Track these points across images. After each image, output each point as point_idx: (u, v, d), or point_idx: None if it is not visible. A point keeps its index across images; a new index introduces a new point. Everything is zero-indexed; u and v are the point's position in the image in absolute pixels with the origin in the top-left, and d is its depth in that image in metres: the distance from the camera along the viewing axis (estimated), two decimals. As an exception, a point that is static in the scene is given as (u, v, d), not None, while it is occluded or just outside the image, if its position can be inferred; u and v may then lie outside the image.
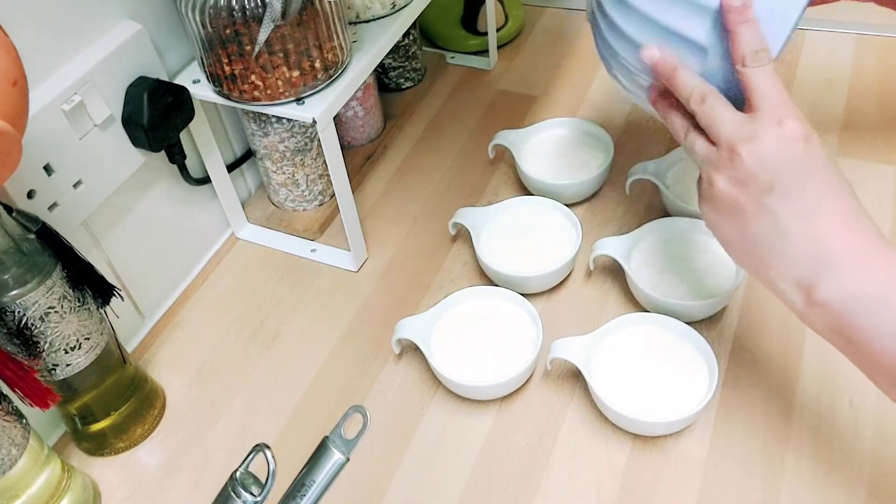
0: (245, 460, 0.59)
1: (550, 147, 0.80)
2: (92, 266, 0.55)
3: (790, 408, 0.60)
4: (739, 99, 0.50)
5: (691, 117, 0.52)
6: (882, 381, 0.48)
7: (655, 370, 0.61)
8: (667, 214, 0.74)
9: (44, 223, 0.51)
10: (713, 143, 0.50)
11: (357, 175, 0.84)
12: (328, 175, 0.77)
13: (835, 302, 0.46)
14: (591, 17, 0.58)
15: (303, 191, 0.78)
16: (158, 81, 0.63)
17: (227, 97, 0.64)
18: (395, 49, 0.89)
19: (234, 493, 0.58)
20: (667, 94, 0.54)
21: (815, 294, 0.46)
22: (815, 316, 0.47)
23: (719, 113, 0.49)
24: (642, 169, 0.74)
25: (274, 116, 0.70)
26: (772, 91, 0.48)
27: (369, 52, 0.67)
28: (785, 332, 0.65)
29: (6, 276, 0.49)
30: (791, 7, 0.50)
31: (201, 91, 0.66)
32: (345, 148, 0.79)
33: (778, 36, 0.50)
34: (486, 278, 0.71)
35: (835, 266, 0.46)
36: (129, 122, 0.62)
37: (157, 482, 0.61)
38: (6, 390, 0.50)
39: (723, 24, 0.49)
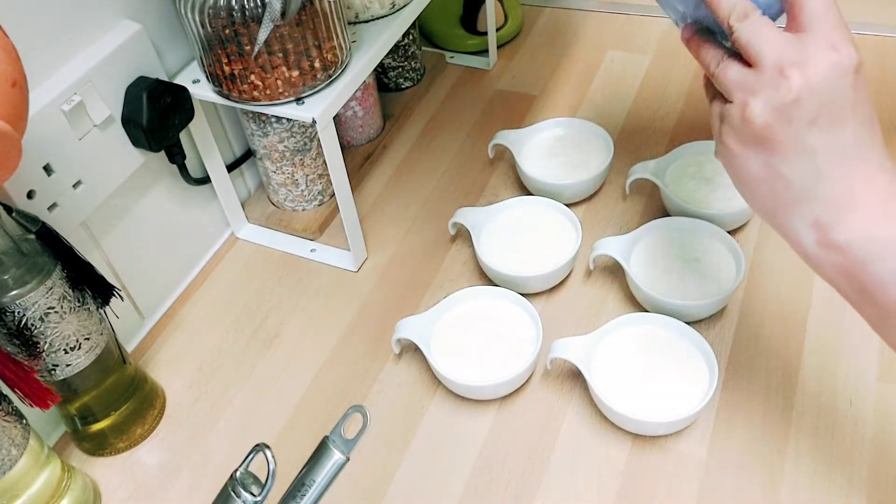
0: (245, 460, 0.59)
1: (550, 147, 0.80)
2: (92, 266, 0.55)
3: (790, 407, 0.60)
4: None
5: (725, 49, 0.47)
6: (891, 334, 0.44)
7: (655, 370, 0.61)
8: (667, 214, 0.74)
9: (43, 223, 0.51)
10: (750, 67, 0.45)
11: (356, 175, 0.84)
12: (328, 175, 0.77)
13: (850, 244, 0.42)
14: None
15: (302, 191, 0.78)
16: (158, 81, 0.63)
17: (227, 97, 0.64)
18: (395, 49, 0.89)
19: (234, 492, 0.58)
20: (702, 32, 0.50)
21: (831, 235, 0.43)
22: (828, 259, 0.44)
23: (763, 30, 0.44)
24: (642, 168, 0.74)
25: (273, 116, 0.70)
26: (827, 11, 0.43)
27: (368, 51, 0.67)
28: (785, 332, 0.65)
29: (6, 277, 0.49)
30: None
31: (201, 91, 0.66)
32: (344, 148, 0.79)
33: None
34: (486, 278, 0.71)
35: (857, 208, 0.43)
36: (129, 122, 0.62)
37: (157, 482, 0.61)
38: (6, 390, 0.50)
39: None
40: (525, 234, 0.72)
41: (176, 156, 0.68)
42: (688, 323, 0.62)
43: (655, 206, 0.76)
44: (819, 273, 0.46)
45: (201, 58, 0.63)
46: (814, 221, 0.44)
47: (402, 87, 0.93)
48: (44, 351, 0.53)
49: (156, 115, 0.62)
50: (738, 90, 0.45)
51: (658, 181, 0.73)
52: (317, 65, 0.62)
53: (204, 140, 0.71)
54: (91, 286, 0.55)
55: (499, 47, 0.98)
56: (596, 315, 0.68)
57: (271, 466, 0.58)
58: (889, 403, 0.59)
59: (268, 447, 0.60)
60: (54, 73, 0.57)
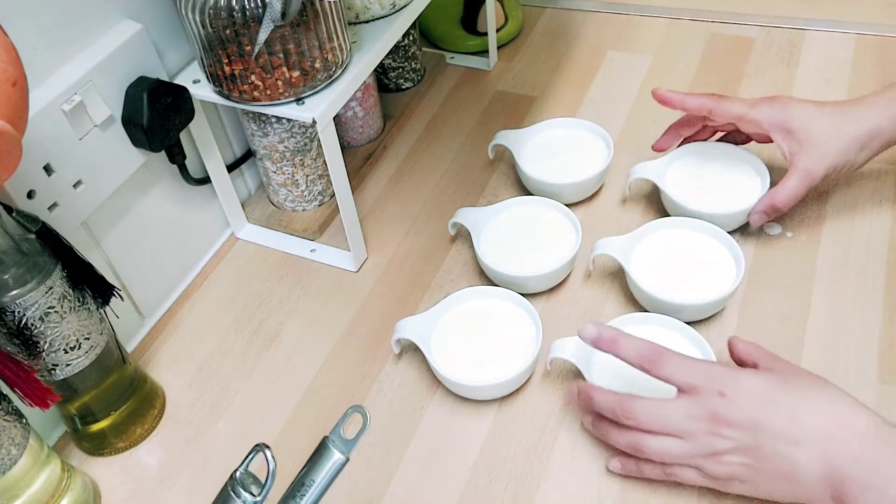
0: (245, 460, 0.59)
1: (550, 147, 0.80)
2: (92, 266, 0.55)
3: (790, 408, 0.60)
4: None
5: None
6: None
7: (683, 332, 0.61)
8: (667, 215, 0.74)
9: (44, 223, 0.51)
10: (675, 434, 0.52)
11: (357, 175, 0.84)
12: (328, 175, 0.77)
13: None
14: None
15: (302, 191, 0.78)
16: (158, 81, 0.63)
17: (227, 97, 0.64)
18: (395, 49, 0.89)
19: (234, 492, 0.58)
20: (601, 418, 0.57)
21: None
22: None
23: (678, 368, 0.53)
24: (643, 169, 0.74)
25: (274, 116, 0.70)
26: (687, 376, 0.52)
27: (369, 52, 0.67)
28: (784, 333, 0.65)
29: (6, 276, 0.49)
30: None
31: (201, 91, 0.66)
32: (344, 148, 0.79)
33: None
34: (486, 278, 0.71)
35: (850, 480, 0.46)
36: (129, 122, 0.62)
37: (157, 482, 0.61)
38: (6, 390, 0.50)
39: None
40: (525, 234, 0.72)
41: (176, 156, 0.68)
42: (688, 323, 0.62)
43: (655, 206, 0.76)
44: None
45: (202, 58, 0.63)
46: (831, 496, 0.48)
47: (403, 87, 0.93)
48: (44, 351, 0.53)
49: (156, 115, 0.62)
50: (696, 457, 0.52)
51: (658, 182, 0.73)
52: (317, 65, 0.62)
53: (204, 140, 0.71)
54: (91, 286, 0.55)
55: (499, 48, 0.98)
56: (596, 315, 0.68)
57: (271, 466, 0.58)
58: (889, 403, 0.59)
59: (268, 447, 0.59)
60: (55, 72, 0.57)
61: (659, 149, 0.76)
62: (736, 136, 0.75)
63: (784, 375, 0.53)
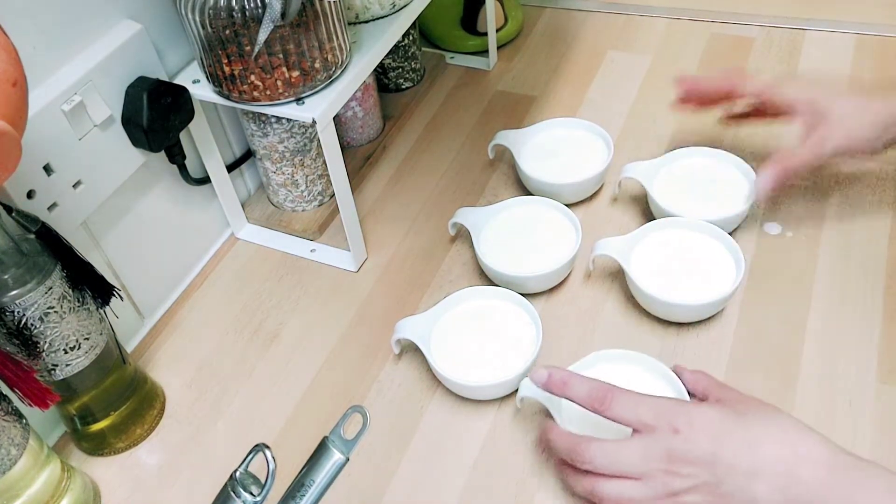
0: (245, 460, 0.59)
1: (550, 147, 0.80)
2: (92, 266, 0.55)
3: (790, 409, 0.60)
4: None
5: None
6: None
7: (656, 369, 0.61)
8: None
9: (44, 223, 0.51)
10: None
11: (356, 175, 0.84)
12: (328, 175, 0.77)
13: None
14: None
15: (302, 191, 0.78)
16: (158, 82, 0.63)
17: (227, 97, 0.64)
18: (395, 49, 0.89)
19: (234, 493, 0.58)
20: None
21: None
22: None
23: (626, 412, 0.51)
24: (632, 169, 0.74)
25: (273, 117, 0.70)
26: (639, 414, 0.51)
27: (369, 52, 0.67)
28: (784, 333, 0.65)
29: (6, 276, 0.49)
30: None
31: (201, 91, 0.66)
32: (344, 148, 0.79)
33: None
34: (486, 278, 0.71)
35: None
36: (129, 122, 0.62)
37: (157, 482, 0.61)
38: (6, 390, 0.50)
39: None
40: (525, 234, 0.72)
41: (176, 156, 0.68)
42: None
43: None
44: None
45: (201, 58, 0.63)
46: None
47: (403, 87, 0.93)
48: (43, 351, 0.53)
49: (156, 116, 0.62)
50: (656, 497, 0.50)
51: (645, 183, 0.73)
52: (317, 65, 0.62)
53: (204, 140, 0.71)
54: (91, 286, 0.55)
55: (499, 48, 0.98)
56: (596, 315, 0.68)
57: (271, 466, 0.58)
58: (889, 403, 0.59)
59: (267, 447, 0.60)
60: (55, 72, 0.57)
61: (681, 97, 0.75)
62: (754, 118, 0.75)
63: (735, 405, 0.51)
